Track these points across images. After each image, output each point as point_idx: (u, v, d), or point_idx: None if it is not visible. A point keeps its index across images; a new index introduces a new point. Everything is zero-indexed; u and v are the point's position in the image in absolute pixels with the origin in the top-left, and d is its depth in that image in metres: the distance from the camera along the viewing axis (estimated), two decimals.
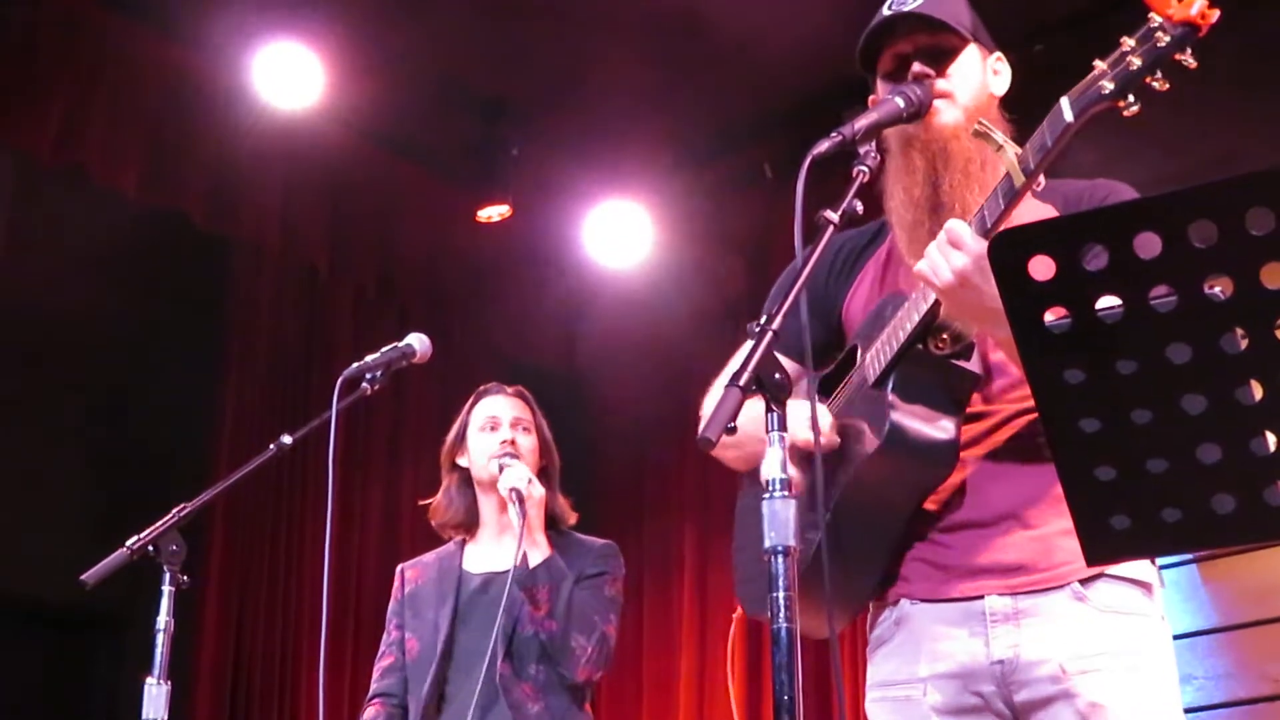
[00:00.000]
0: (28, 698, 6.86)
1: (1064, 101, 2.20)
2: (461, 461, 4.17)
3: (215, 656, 6.57)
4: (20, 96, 5.78)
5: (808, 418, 2.22)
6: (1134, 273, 1.59)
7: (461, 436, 4.18)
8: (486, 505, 4.12)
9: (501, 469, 3.96)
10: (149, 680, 3.29)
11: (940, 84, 2.66)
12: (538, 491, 3.93)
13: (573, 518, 4.18)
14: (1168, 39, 2.06)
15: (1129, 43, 2.10)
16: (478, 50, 6.44)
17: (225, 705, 6.58)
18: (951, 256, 2.34)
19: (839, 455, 2.62)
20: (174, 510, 3.40)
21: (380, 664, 4.08)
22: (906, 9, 2.68)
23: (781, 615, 1.96)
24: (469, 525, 4.16)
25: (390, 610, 4.16)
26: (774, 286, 2.82)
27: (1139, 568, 2.55)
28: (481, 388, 4.27)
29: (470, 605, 3.99)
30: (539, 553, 3.87)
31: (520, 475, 3.93)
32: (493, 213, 6.94)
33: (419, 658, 3.97)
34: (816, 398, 2.36)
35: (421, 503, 4.30)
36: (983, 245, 2.33)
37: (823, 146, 2.36)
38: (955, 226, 2.36)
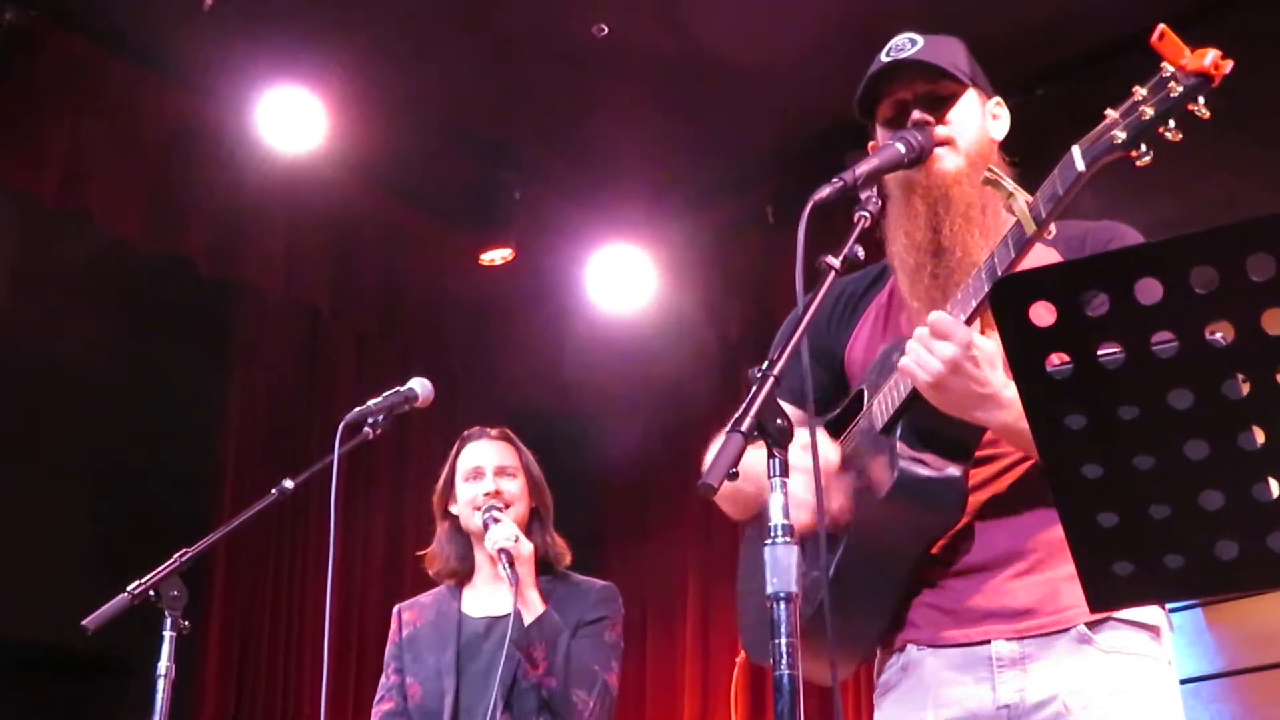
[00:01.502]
0: None
1: (1075, 150, 2.20)
2: (453, 509, 4.12)
3: (217, 702, 6.55)
4: (24, 139, 5.79)
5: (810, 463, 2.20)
6: (1135, 318, 1.59)
7: (450, 484, 4.13)
8: (479, 552, 4.07)
9: (486, 525, 3.91)
10: None
11: (940, 130, 2.66)
12: (525, 549, 3.87)
13: (568, 558, 4.12)
14: (1180, 89, 2.05)
15: (1141, 92, 2.10)
16: (480, 94, 6.47)
17: None
18: (938, 347, 2.35)
19: (846, 503, 2.61)
20: (175, 555, 3.40)
21: (380, 708, 4.03)
22: (905, 56, 2.69)
23: (784, 662, 1.95)
24: (465, 572, 4.11)
25: (388, 654, 4.11)
26: (778, 333, 2.82)
27: (1147, 611, 2.54)
28: (465, 433, 4.21)
29: (470, 651, 3.95)
30: (531, 612, 3.79)
31: (506, 534, 3.87)
32: (495, 256, 6.95)
33: (422, 703, 3.93)
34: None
35: (418, 554, 4.24)
36: (969, 333, 2.35)
37: (824, 192, 2.36)
38: (938, 319, 2.37)
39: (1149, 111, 2.08)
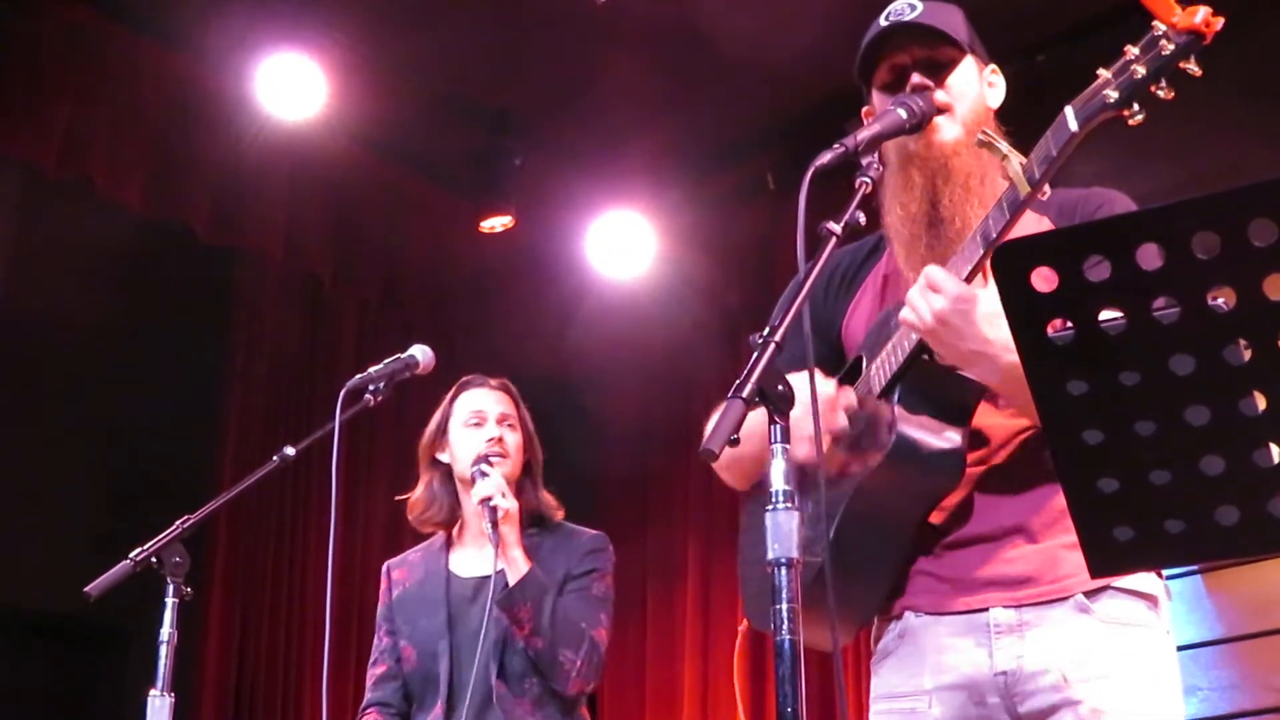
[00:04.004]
0: (31, 710, 6.87)
1: (1068, 111, 2.20)
2: (442, 457, 4.06)
3: (219, 668, 6.57)
4: (25, 108, 5.78)
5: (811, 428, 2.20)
6: (1136, 284, 1.58)
7: (443, 430, 4.07)
8: (469, 503, 3.98)
9: (474, 479, 3.85)
10: (152, 693, 3.30)
11: (940, 96, 2.65)
12: (511, 506, 3.82)
13: (560, 513, 4.06)
14: (1172, 48, 2.06)
15: (1133, 51, 2.10)
16: (481, 61, 6.45)
17: (229, 717, 6.58)
18: (931, 299, 2.36)
19: (844, 466, 2.61)
20: (177, 522, 3.41)
21: (374, 671, 4.00)
22: (904, 19, 2.68)
23: (785, 627, 1.95)
24: (450, 522, 4.05)
25: (379, 614, 4.06)
26: (780, 300, 2.82)
27: (1145, 580, 2.54)
28: (464, 379, 4.14)
29: (460, 613, 3.90)
30: (515, 571, 3.76)
31: (493, 486, 3.81)
32: (496, 223, 6.94)
33: (418, 667, 3.90)
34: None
35: (398, 498, 4.17)
36: (962, 288, 2.35)
37: (825, 158, 2.35)
38: (932, 272, 2.38)
39: (1141, 70, 2.09)
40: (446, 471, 4.07)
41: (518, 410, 4.09)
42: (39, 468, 6.71)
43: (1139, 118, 2.12)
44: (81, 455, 6.96)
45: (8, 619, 6.65)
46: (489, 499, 3.79)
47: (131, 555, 3.35)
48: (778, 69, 6.31)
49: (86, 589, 3.35)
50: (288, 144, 6.35)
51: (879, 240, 2.86)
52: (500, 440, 3.95)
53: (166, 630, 3.32)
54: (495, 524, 3.76)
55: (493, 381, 4.12)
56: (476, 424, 4.00)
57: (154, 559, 3.35)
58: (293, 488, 6.82)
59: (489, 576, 3.81)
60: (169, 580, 3.35)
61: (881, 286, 2.81)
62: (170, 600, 3.34)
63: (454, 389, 4.13)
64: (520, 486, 3.96)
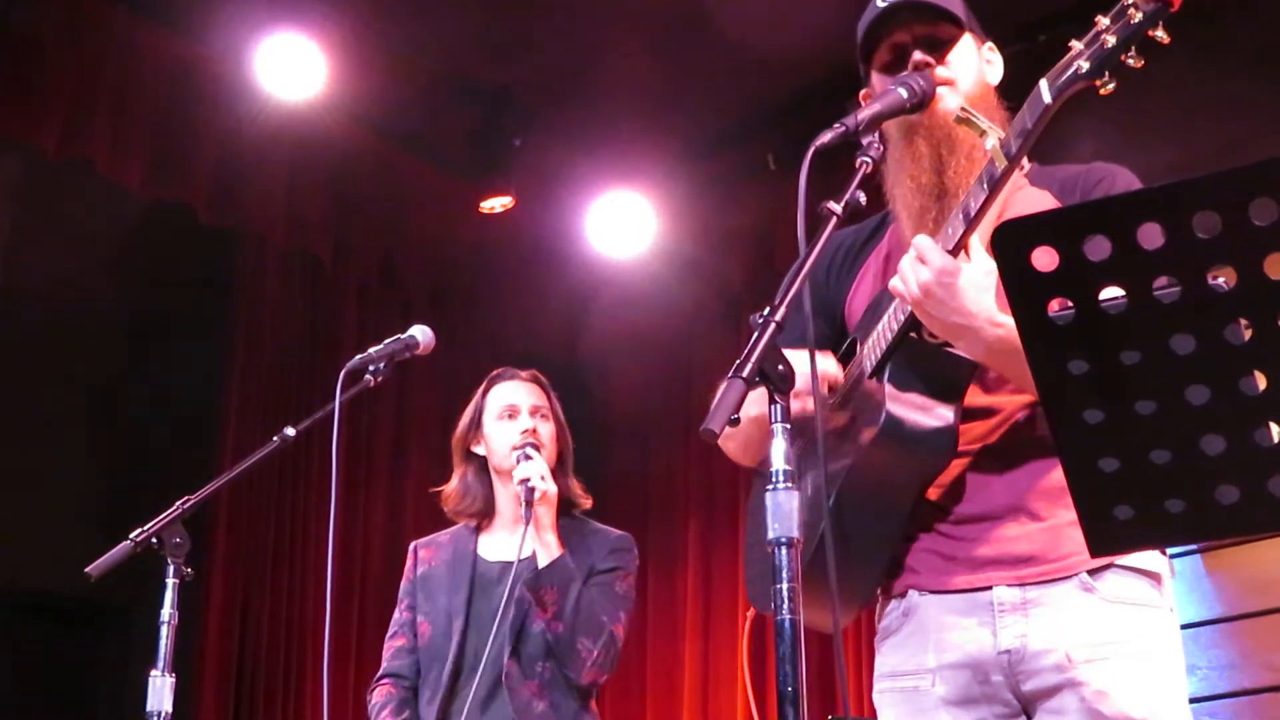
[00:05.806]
0: (32, 690, 6.87)
1: (1042, 83, 2.22)
2: (477, 449, 4.12)
3: (220, 648, 6.58)
4: (26, 90, 5.77)
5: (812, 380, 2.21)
6: (1137, 263, 1.59)
7: (477, 423, 4.12)
8: (504, 494, 4.07)
9: (518, 462, 3.91)
10: (153, 673, 3.31)
11: (941, 71, 2.66)
12: (551, 489, 3.89)
13: (587, 502, 4.13)
14: (1140, 16, 2.07)
15: (1103, 21, 2.12)
16: (481, 41, 6.44)
17: (230, 697, 6.59)
18: (917, 270, 2.36)
19: (839, 445, 2.62)
20: (178, 503, 3.42)
21: (391, 643, 4.06)
22: None
23: (785, 606, 1.96)
24: (485, 513, 4.11)
25: (402, 589, 4.12)
26: (784, 280, 2.83)
27: (1148, 558, 2.55)
28: (495, 372, 4.20)
29: (482, 594, 3.95)
30: (547, 554, 3.83)
31: (535, 469, 3.88)
32: (496, 204, 6.93)
33: (431, 643, 3.95)
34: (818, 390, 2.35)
35: (432, 490, 4.23)
36: (946, 260, 2.35)
37: (826, 138, 2.36)
38: (921, 242, 2.38)
39: (1111, 40, 2.10)
40: (481, 464, 4.13)
41: (549, 401, 4.15)
42: (40, 448, 6.71)
43: (1110, 87, 2.14)
44: (82, 436, 6.96)
45: (8, 598, 6.66)
46: (528, 480, 3.85)
47: (132, 536, 3.36)
48: (778, 49, 6.30)
49: (87, 569, 3.36)
50: (288, 124, 6.34)
51: (882, 219, 2.86)
52: (534, 432, 4.01)
53: (167, 610, 3.34)
54: (531, 504, 3.81)
55: (523, 374, 4.18)
56: (510, 416, 4.06)
57: (154, 539, 3.36)
58: (293, 468, 6.82)
59: (515, 561, 3.86)
60: (169, 561, 3.37)
61: (883, 266, 2.82)
62: (171, 580, 3.36)
63: (485, 382, 4.19)
64: (554, 475, 4.00)
